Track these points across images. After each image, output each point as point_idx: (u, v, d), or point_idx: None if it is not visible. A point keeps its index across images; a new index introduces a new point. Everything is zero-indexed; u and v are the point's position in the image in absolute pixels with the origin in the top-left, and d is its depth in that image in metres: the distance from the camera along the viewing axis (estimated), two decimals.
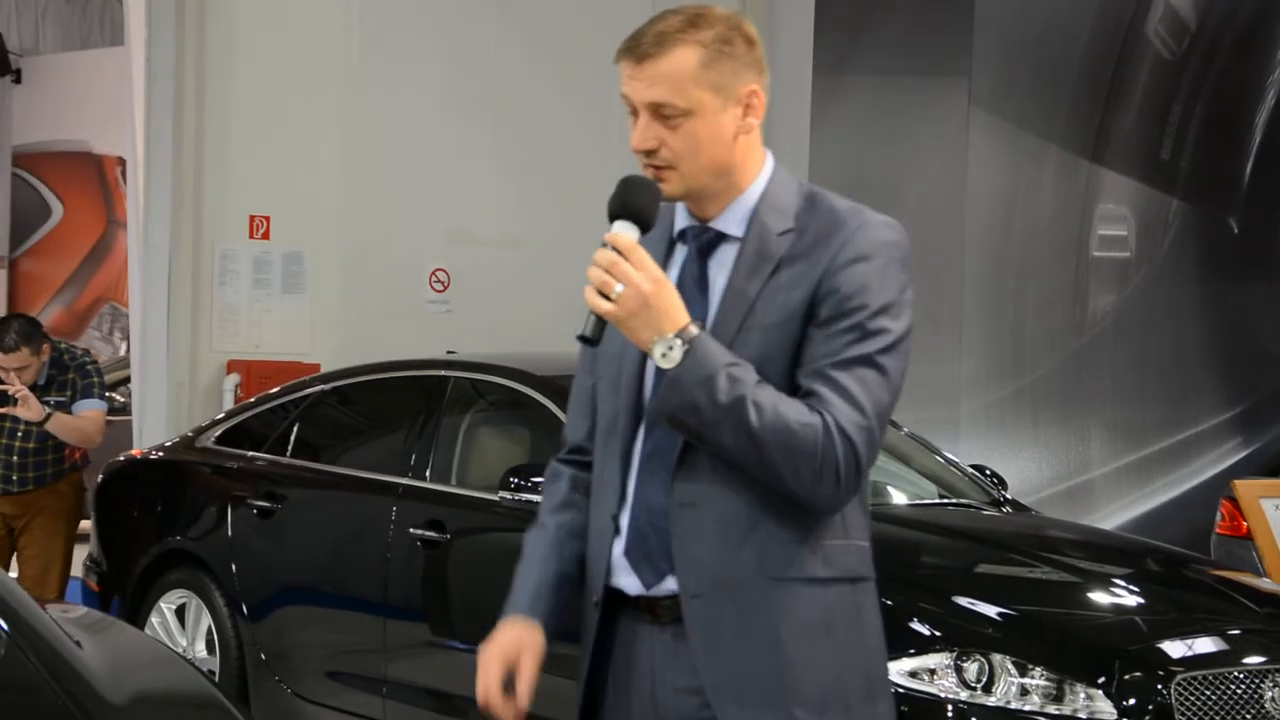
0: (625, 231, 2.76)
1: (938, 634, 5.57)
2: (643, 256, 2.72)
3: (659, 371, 2.74)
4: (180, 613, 7.38)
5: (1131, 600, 6.08)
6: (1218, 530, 9.01)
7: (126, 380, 11.02)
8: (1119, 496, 13.06)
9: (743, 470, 2.75)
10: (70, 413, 7.30)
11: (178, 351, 10.00)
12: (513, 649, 2.92)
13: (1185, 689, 5.40)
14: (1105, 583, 6.18)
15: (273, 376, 8.85)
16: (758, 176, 2.90)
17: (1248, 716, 5.46)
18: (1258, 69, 13.98)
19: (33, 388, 7.17)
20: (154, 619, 7.41)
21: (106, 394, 7.86)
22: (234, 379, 9.86)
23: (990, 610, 5.74)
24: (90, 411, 7.37)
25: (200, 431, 7.96)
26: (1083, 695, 5.40)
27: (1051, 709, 5.40)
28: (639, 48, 2.81)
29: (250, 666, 7.08)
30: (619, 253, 2.72)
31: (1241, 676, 5.52)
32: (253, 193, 10.39)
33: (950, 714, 5.40)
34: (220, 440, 7.78)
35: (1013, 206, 12.92)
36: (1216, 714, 5.41)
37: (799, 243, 2.82)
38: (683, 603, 2.80)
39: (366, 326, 10.17)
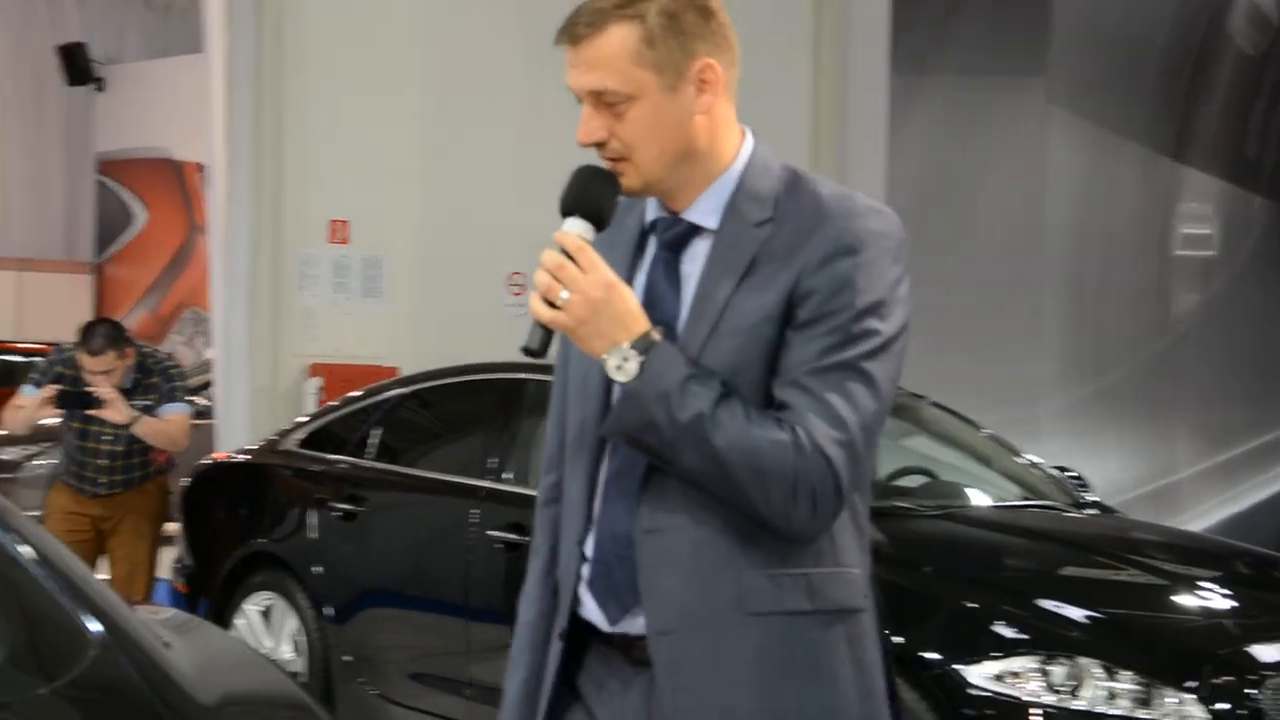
0: (576, 229, 2.46)
1: (1023, 637, 5.53)
2: (592, 258, 2.42)
3: (617, 386, 2.45)
4: (266, 614, 7.46)
5: (1221, 603, 6.01)
6: None
7: (209, 384, 11.12)
8: (1206, 498, 12.94)
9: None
10: (155, 416, 7.36)
11: (259, 356, 10.10)
12: None
13: (1277, 693, 5.33)
14: (1194, 585, 6.11)
15: (354, 380, 8.91)
16: (734, 160, 2.57)
17: None
18: None
19: (118, 392, 7.24)
20: (239, 621, 7.49)
21: (190, 398, 7.93)
22: (316, 382, 9.95)
23: (1076, 613, 5.67)
24: (175, 415, 7.44)
25: (283, 435, 8.04)
26: (1172, 699, 5.32)
27: (1140, 714, 5.33)
28: (575, 28, 2.50)
29: (334, 668, 7.14)
30: (567, 254, 2.42)
31: None
32: (332, 198, 10.47)
33: (1036, 718, 5.34)
34: (303, 444, 7.85)
35: (1092, 206, 12.82)
36: None
37: (777, 236, 2.48)
38: (649, 641, 2.49)
39: (444, 330, 10.23)
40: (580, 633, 2.62)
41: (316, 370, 10.11)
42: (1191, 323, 13.42)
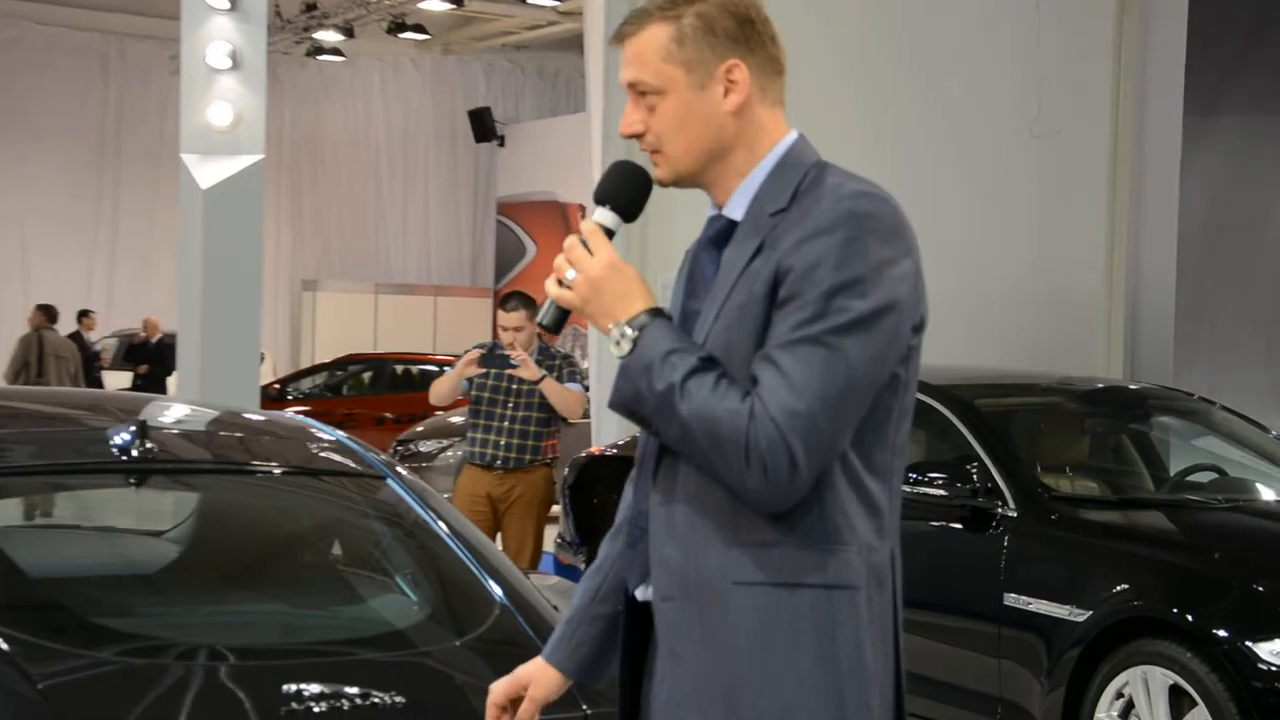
0: (600, 218, 2.35)
1: None
2: (600, 241, 2.30)
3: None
4: None
5: None
6: None
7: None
8: None
9: None
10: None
11: None
12: (524, 679, 2.57)
13: None
14: None
15: None
16: (765, 157, 2.38)
17: None
18: None
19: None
20: None
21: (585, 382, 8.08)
22: None
23: None
24: (573, 389, 7.56)
25: None
26: None
27: None
28: (622, 28, 2.39)
29: None
30: (583, 240, 2.30)
31: None
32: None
33: None
34: None
35: None
36: None
37: (784, 222, 2.29)
38: (654, 606, 2.34)
39: None
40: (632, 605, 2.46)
41: None
42: None
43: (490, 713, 2.54)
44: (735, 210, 2.37)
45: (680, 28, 2.34)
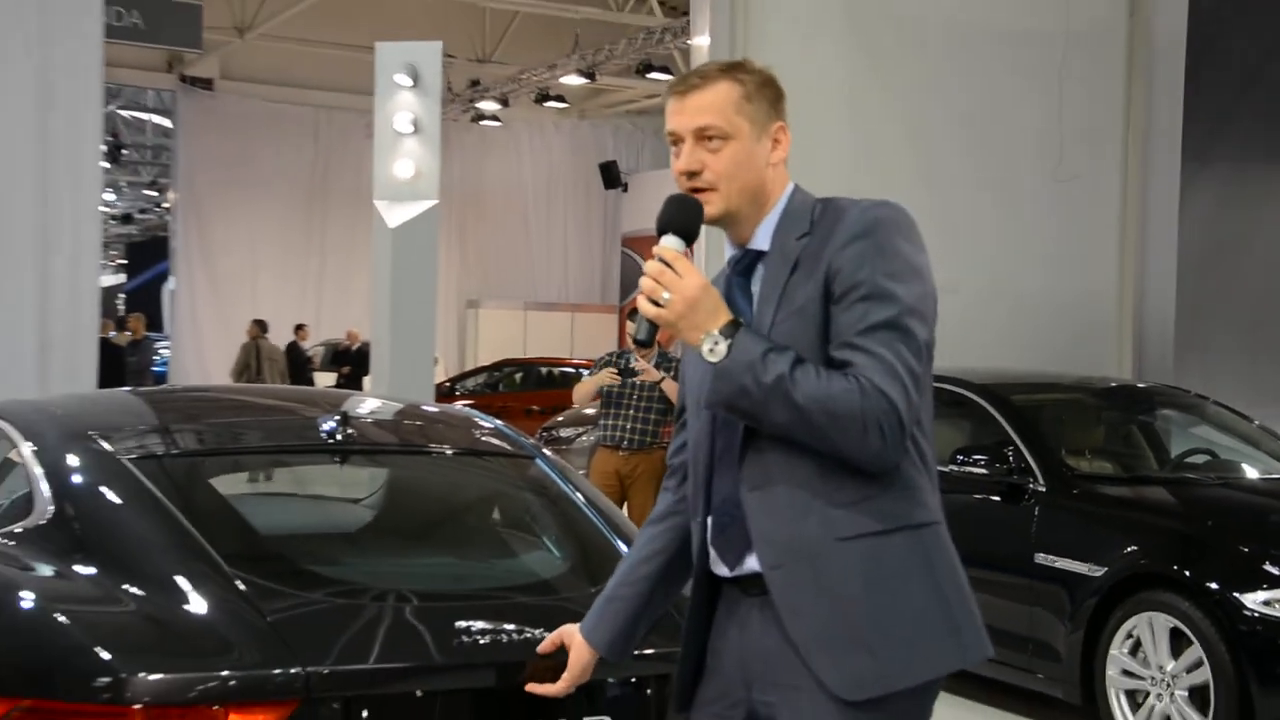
0: (672, 244, 2.26)
1: None
2: (687, 265, 2.20)
3: (710, 367, 2.18)
4: None
5: None
6: None
7: None
8: None
9: (799, 451, 2.19)
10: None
11: None
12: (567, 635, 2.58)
13: None
14: None
15: None
16: (779, 200, 2.33)
17: None
18: None
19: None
20: None
21: None
22: None
23: None
24: None
25: None
26: None
27: None
28: (686, 84, 2.31)
29: None
30: (666, 264, 2.20)
31: None
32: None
33: None
34: None
35: None
36: None
37: (812, 242, 2.24)
38: (765, 575, 2.23)
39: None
40: (707, 580, 2.39)
41: None
42: None
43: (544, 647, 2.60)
44: (761, 242, 2.32)
45: (747, 89, 2.30)
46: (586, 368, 7.84)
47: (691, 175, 2.30)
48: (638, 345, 2.33)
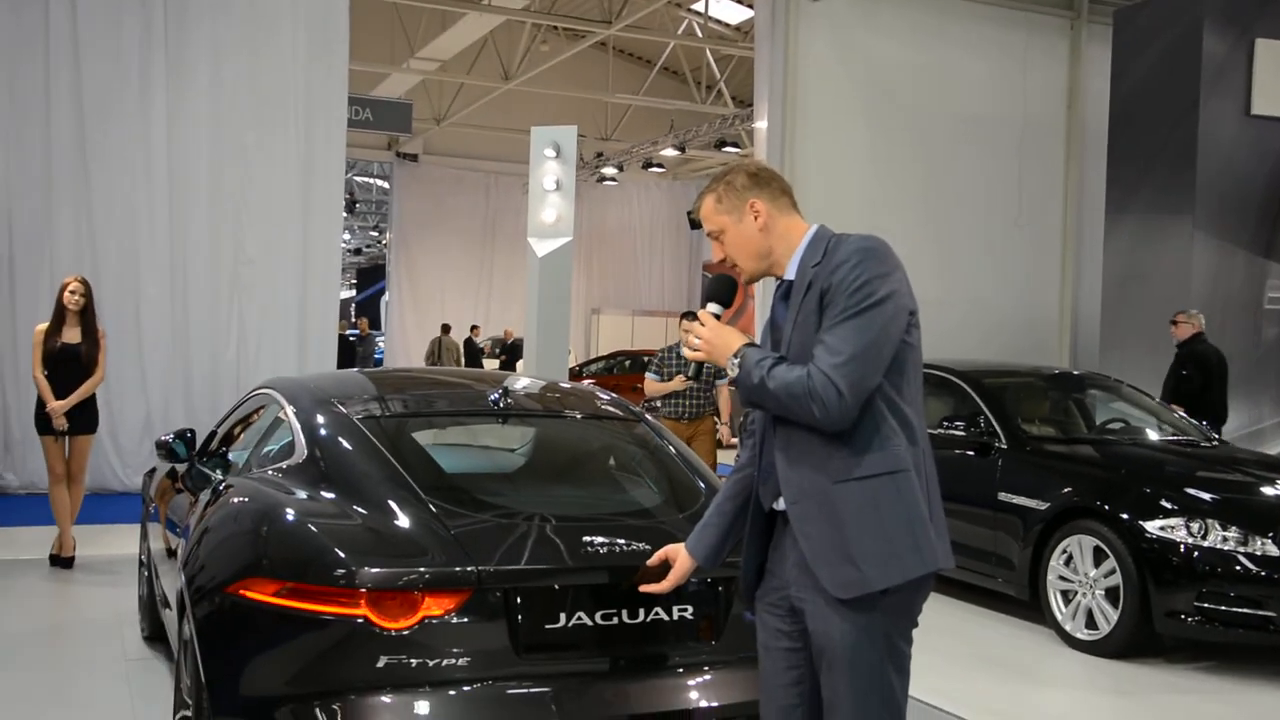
0: (713, 309, 2.31)
1: (1175, 507, 5.07)
2: (712, 322, 2.28)
3: (735, 378, 2.25)
4: None
5: None
6: None
7: None
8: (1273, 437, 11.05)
9: (808, 426, 2.17)
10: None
11: None
12: (671, 552, 2.56)
13: None
14: (1274, 481, 5.39)
15: None
16: (801, 243, 2.28)
17: None
18: None
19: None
20: None
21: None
22: None
23: (1206, 495, 5.14)
24: (720, 384, 7.48)
25: None
26: (1259, 542, 4.85)
27: (1241, 550, 4.86)
28: (694, 206, 2.41)
29: None
30: (701, 323, 2.29)
31: None
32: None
33: (1182, 550, 4.94)
34: None
35: (1218, 287, 11.00)
36: None
37: (822, 268, 2.20)
38: (788, 509, 2.23)
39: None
40: (759, 512, 2.38)
41: None
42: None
43: (654, 560, 2.57)
44: (790, 273, 2.29)
45: (719, 193, 2.33)
46: (652, 355, 7.74)
47: (722, 260, 2.37)
48: (686, 378, 2.38)
